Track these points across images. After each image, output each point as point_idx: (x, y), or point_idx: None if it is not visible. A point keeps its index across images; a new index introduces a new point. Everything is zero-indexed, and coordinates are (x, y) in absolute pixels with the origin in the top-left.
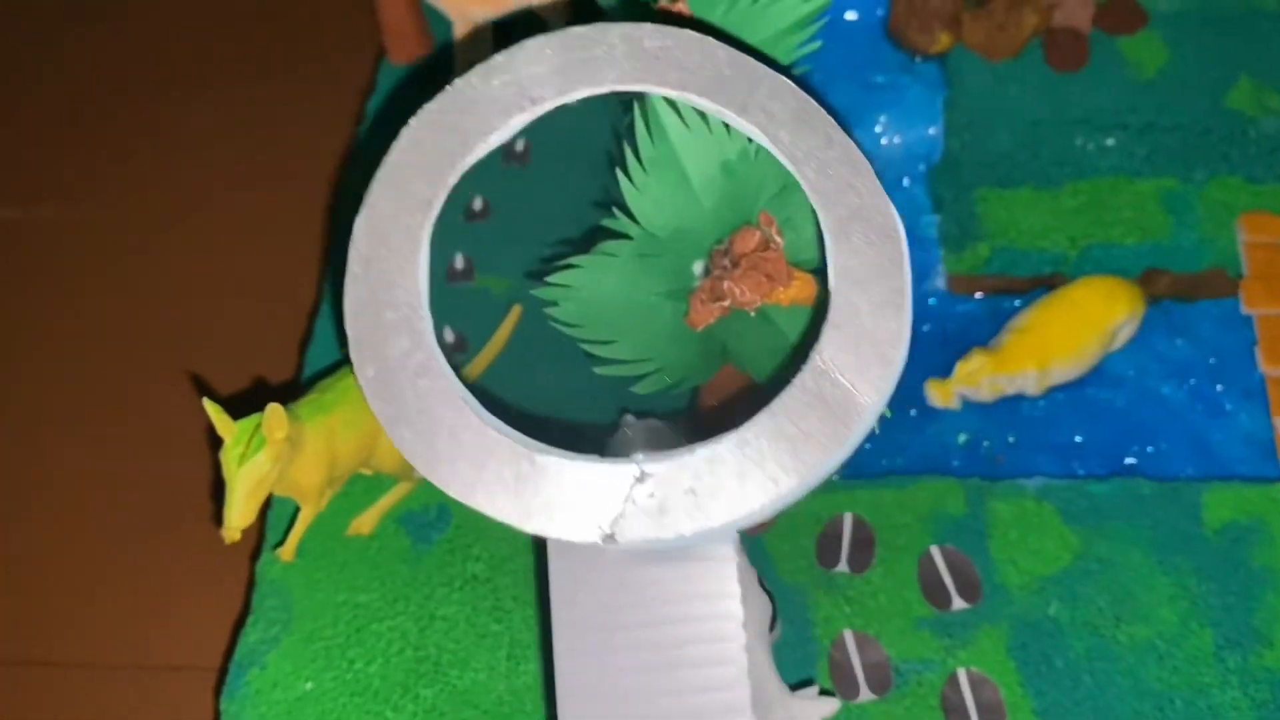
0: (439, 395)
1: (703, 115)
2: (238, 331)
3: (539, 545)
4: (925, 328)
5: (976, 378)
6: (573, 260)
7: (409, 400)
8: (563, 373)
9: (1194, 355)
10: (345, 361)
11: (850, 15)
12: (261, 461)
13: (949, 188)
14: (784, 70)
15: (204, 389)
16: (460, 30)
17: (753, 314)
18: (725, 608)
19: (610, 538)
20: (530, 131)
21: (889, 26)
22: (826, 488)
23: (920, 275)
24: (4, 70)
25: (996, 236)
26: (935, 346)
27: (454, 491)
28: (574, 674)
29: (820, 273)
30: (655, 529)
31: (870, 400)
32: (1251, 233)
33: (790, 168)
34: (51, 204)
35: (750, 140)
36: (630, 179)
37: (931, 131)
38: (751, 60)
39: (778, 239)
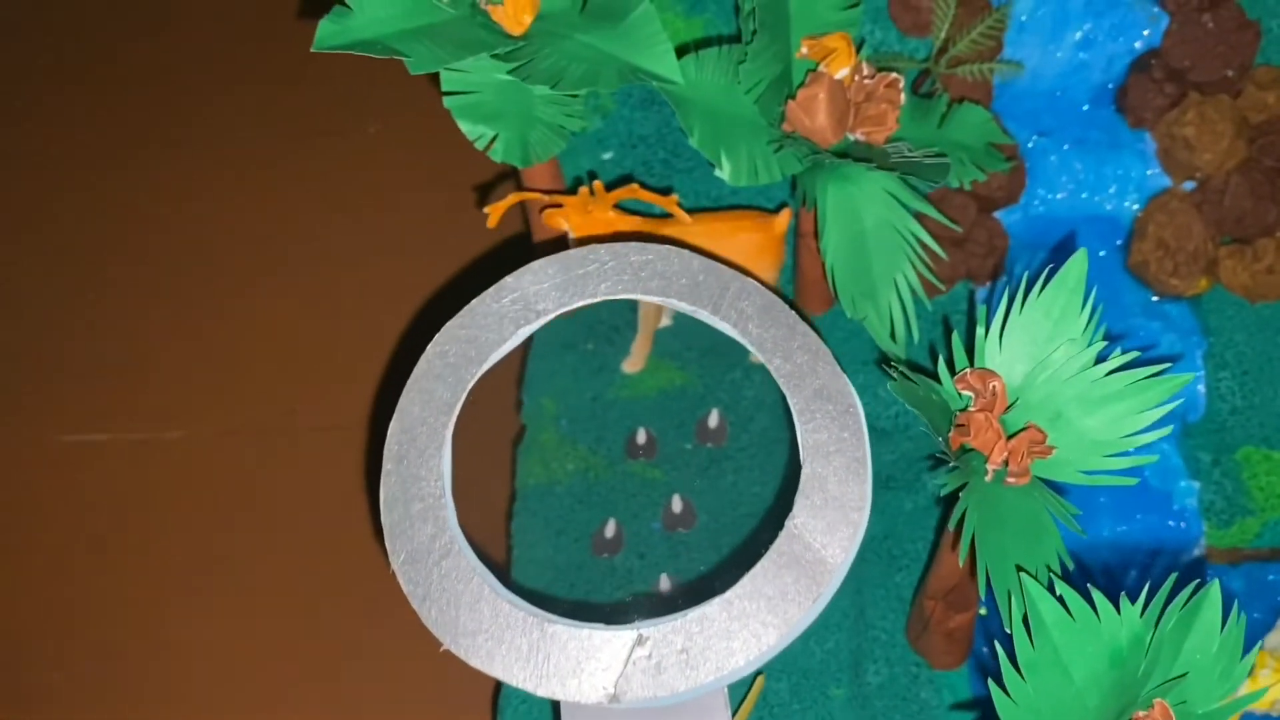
0: (460, 574)
1: (1090, 602)
2: None
3: (554, 705)
4: None
5: (1270, 701)
6: None
7: (434, 580)
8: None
9: None
10: None
11: None
12: None
13: (1209, 449)
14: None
15: None
16: (645, 326)
17: None
18: None
19: (614, 698)
20: (726, 404)
21: (1129, 262)
22: None
23: (1179, 549)
24: (125, 308)
25: (1268, 510)
26: None
27: (476, 662)
28: None
29: None
30: (653, 688)
31: (838, 559)
32: None
33: (760, 356)
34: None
35: (1143, 622)
36: (1003, 688)
37: (1200, 389)
38: (722, 266)
39: None
